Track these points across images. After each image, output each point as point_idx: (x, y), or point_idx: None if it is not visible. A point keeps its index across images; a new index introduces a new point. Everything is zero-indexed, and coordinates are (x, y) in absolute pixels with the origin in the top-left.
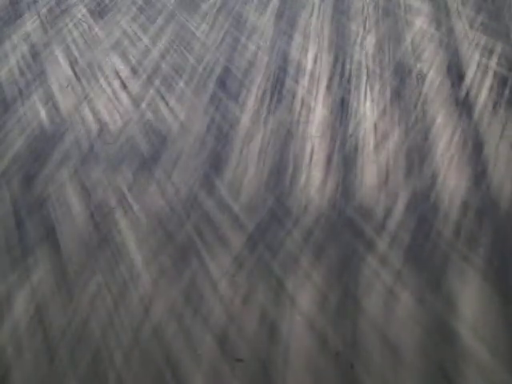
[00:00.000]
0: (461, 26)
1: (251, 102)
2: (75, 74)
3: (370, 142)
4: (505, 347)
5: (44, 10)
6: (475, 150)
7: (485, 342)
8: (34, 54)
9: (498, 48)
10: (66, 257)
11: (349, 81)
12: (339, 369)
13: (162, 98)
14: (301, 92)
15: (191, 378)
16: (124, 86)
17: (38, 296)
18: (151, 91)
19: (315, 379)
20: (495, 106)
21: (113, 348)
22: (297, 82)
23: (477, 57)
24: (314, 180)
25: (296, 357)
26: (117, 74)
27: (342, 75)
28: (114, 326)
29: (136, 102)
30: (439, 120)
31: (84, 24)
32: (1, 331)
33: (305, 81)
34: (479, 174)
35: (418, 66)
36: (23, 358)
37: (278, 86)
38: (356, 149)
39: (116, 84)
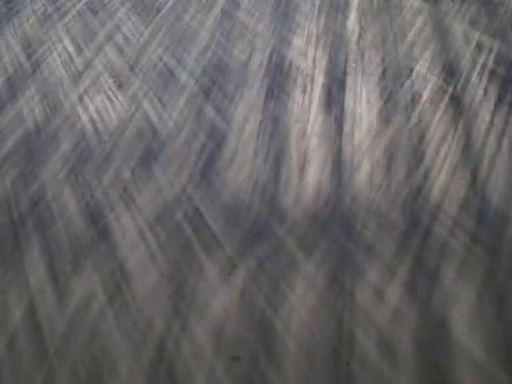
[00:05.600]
0: None
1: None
2: (71, 70)
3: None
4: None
5: (40, 5)
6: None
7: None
8: (29, 51)
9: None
10: (61, 254)
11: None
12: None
13: (158, 96)
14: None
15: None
16: (120, 83)
17: (31, 293)
18: (146, 89)
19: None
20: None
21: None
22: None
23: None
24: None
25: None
26: (113, 71)
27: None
28: (108, 325)
29: (132, 99)
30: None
31: (79, 20)
32: None
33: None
34: None
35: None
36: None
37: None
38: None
39: (111, 81)
